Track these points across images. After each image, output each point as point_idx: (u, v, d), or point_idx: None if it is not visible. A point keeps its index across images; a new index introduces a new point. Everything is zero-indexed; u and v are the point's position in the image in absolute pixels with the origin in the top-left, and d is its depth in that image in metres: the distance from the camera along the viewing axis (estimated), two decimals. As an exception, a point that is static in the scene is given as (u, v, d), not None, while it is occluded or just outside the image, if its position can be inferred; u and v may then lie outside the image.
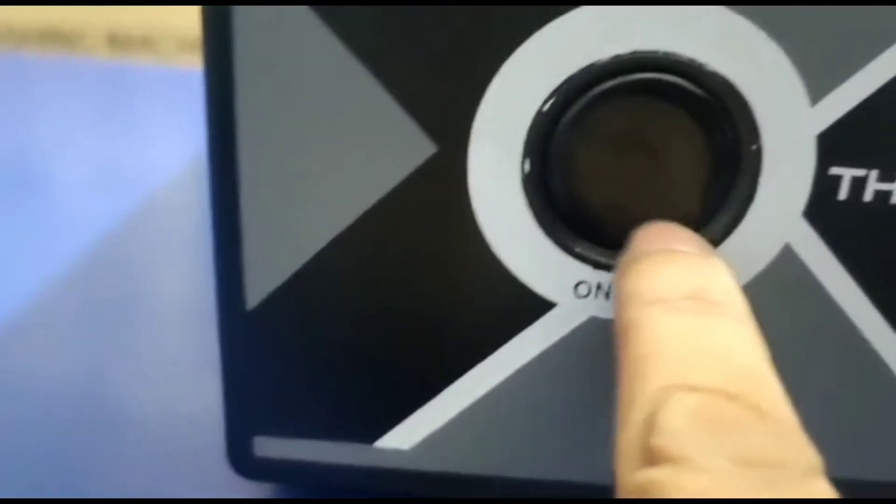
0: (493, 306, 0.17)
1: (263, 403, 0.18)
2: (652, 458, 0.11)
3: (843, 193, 0.16)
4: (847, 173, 0.15)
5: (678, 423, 0.11)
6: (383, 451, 0.18)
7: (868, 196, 0.16)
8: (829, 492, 0.11)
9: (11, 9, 0.67)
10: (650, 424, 0.12)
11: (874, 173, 0.15)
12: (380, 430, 0.18)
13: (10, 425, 0.23)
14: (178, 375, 0.25)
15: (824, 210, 0.16)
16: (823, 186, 0.15)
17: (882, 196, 0.16)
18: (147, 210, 0.36)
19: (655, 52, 0.15)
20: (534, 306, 0.17)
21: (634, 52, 0.15)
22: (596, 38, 0.15)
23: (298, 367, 0.17)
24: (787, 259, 0.16)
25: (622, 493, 0.12)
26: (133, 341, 0.28)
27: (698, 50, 0.15)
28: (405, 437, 0.18)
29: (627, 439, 0.12)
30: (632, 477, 0.11)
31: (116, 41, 0.66)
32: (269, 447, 0.18)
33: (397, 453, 0.18)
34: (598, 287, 0.16)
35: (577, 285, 0.16)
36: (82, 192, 0.39)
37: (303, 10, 0.15)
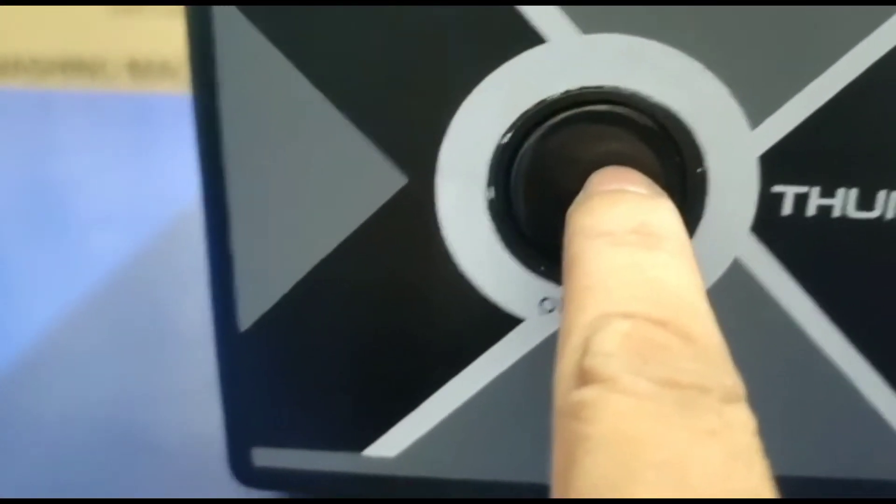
0: (467, 323, 0.18)
1: (260, 417, 0.19)
2: (584, 378, 0.12)
3: (787, 209, 0.17)
4: (789, 190, 0.17)
5: (609, 347, 0.12)
6: (371, 459, 0.19)
7: (811, 211, 0.17)
8: (748, 418, 0.12)
9: (34, 40, 0.70)
10: (585, 348, 0.12)
11: (815, 190, 0.17)
12: (367, 440, 0.19)
13: (28, 449, 0.25)
14: (195, 396, 0.26)
15: (770, 225, 0.17)
16: (768, 203, 0.17)
17: (824, 210, 0.17)
18: (168, 238, 0.38)
19: (602, 87, 0.16)
20: (503, 322, 0.18)
21: (583, 88, 0.16)
22: (546, 76, 0.16)
23: (290, 383, 0.19)
24: (738, 272, 0.17)
25: (558, 415, 0.12)
26: (153, 366, 0.29)
27: (641, 83, 0.16)
28: (391, 445, 0.19)
29: (565, 364, 0.13)
30: (566, 397, 0.12)
31: (137, 69, 0.68)
32: (267, 457, 0.19)
33: (384, 460, 0.19)
34: (562, 301, 0.17)
35: (542, 301, 0.18)
36: (104, 223, 0.41)
37: (278, 56, 0.16)
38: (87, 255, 0.38)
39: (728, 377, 0.12)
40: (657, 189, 0.16)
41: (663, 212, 0.15)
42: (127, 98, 0.61)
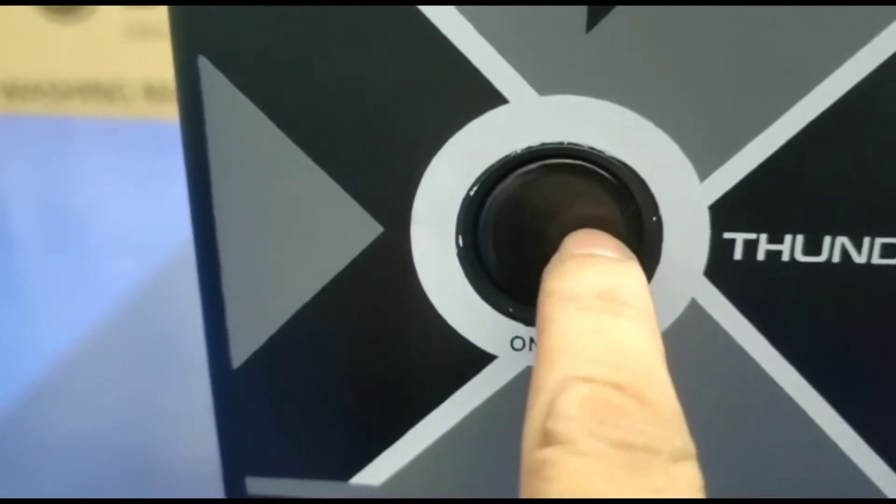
0: (444, 360, 0.19)
1: (253, 448, 0.20)
2: (547, 439, 0.13)
3: (738, 254, 0.18)
4: (739, 237, 0.18)
5: (570, 410, 0.13)
6: (357, 487, 0.20)
7: (761, 255, 0.18)
8: (694, 476, 0.13)
9: (53, 65, 0.72)
10: (549, 409, 0.13)
11: (763, 236, 0.18)
12: (353, 469, 0.20)
13: (42, 470, 0.26)
14: (198, 422, 0.28)
15: (723, 269, 0.18)
16: (720, 249, 0.18)
17: (773, 255, 0.18)
18: (181, 263, 0.39)
19: (561, 143, 0.17)
20: (478, 359, 0.19)
21: (543, 144, 0.17)
22: (509, 134, 0.17)
23: (280, 416, 0.20)
24: (694, 311, 0.18)
25: (524, 471, 0.13)
26: (163, 390, 0.31)
27: (597, 140, 0.17)
28: (375, 474, 0.20)
29: (532, 421, 0.14)
30: (531, 455, 0.13)
31: (153, 92, 0.70)
32: (260, 486, 0.21)
33: (369, 488, 0.20)
34: (531, 340, 0.19)
35: (512, 340, 0.19)
36: (118, 248, 0.42)
37: (259, 115, 0.18)
38: (101, 280, 0.40)
39: (678, 438, 0.13)
40: (626, 252, 0.17)
41: (630, 277, 0.16)
42: (142, 124, 0.63)
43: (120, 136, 0.59)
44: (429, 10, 0.16)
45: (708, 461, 0.19)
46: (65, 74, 0.72)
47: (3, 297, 0.39)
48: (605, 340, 0.14)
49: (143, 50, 0.70)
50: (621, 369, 0.14)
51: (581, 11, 0.16)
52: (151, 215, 0.46)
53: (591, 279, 0.16)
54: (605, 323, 0.15)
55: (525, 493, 0.13)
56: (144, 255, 0.41)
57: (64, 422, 0.29)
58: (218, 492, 0.21)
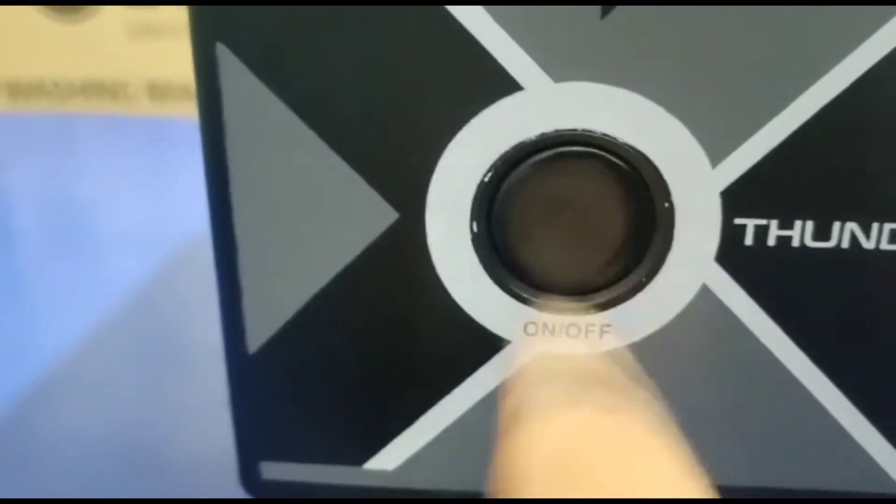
0: (458, 345, 0.19)
1: (268, 433, 0.21)
2: None
3: (748, 240, 0.18)
4: (750, 223, 0.18)
5: None
6: (371, 472, 0.21)
7: (771, 241, 0.18)
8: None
9: (56, 64, 0.72)
10: None
11: (774, 222, 0.18)
12: (367, 454, 0.20)
13: (48, 468, 0.26)
14: (213, 414, 0.28)
15: (733, 255, 0.18)
16: (730, 235, 0.18)
17: (784, 240, 0.18)
18: (187, 259, 0.39)
19: (575, 130, 0.17)
20: (491, 344, 0.19)
21: (557, 131, 0.18)
22: (523, 120, 0.17)
23: (295, 401, 0.20)
24: (705, 297, 0.19)
25: None
26: (172, 383, 0.31)
27: (610, 126, 0.17)
28: (389, 459, 0.20)
29: None
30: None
31: (157, 91, 0.70)
32: (275, 471, 0.21)
33: (383, 473, 0.20)
34: (544, 325, 0.19)
35: (526, 325, 0.19)
36: (123, 244, 0.42)
37: (278, 103, 0.18)
38: (106, 276, 0.40)
39: None
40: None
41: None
42: (147, 121, 0.63)
43: (124, 132, 0.59)
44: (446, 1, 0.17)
45: (717, 444, 0.20)
46: (68, 73, 0.72)
47: (8, 293, 0.39)
48: None
49: (147, 49, 0.71)
50: None
51: (595, -1, 0.17)
52: (156, 212, 0.46)
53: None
54: None
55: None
56: (149, 251, 0.41)
57: (69, 419, 0.29)
58: (225, 490, 0.21)
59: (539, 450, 0.13)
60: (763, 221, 0.18)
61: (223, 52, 0.18)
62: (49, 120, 0.67)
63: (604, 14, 0.17)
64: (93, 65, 0.72)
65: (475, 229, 0.18)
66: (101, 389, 0.31)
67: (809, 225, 0.18)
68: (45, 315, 0.38)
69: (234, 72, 0.18)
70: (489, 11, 0.17)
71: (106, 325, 0.35)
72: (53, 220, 0.47)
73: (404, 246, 0.19)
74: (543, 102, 0.17)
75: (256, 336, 0.20)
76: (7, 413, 0.30)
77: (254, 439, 0.21)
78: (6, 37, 0.72)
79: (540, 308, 0.19)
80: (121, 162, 0.54)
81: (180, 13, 0.66)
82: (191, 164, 0.22)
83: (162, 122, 0.63)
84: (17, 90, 0.74)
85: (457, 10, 0.17)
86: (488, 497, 0.14)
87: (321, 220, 0.19)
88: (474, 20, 0.17)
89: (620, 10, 0.17)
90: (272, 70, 0.18)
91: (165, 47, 0.71)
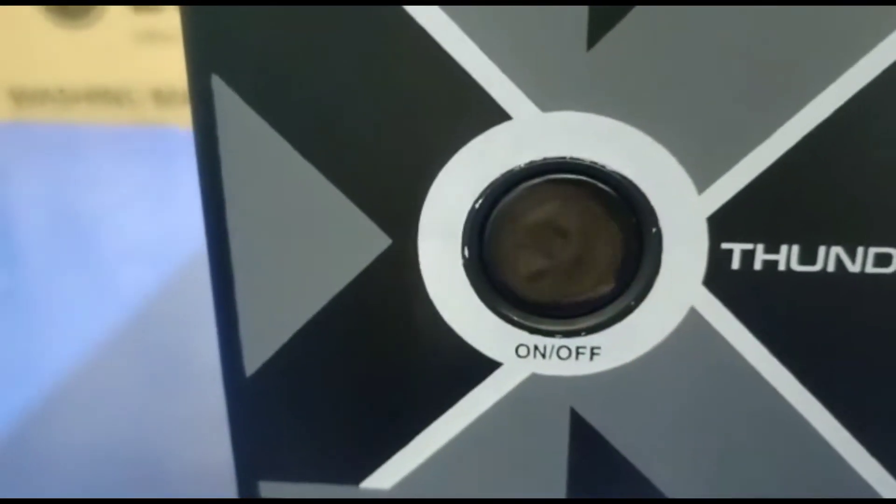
0: (451, 367, 0.20)
1: (266, 453, 0.21)
2: None
3: (735, 264, 0.18)
4: (737, 247, 0.18)
5: None
6: (367, 491, 0.21)
7: (758, 265, 0.18)
8: None
9: (61, 70, 0.72)
10: None
11: (760, 246, 0.18)
12: (363, 474, 0.21)
13: (51, 482, 0.27)
14: (215, 430, 0.28)
15: (721, 278, 0.18)
16: (717, 259, 0.18)
17: (770, 264, 0.18)
18: (192, 271, 0.40)
19: (563, 158, 0.18)
20: (484, 366, 0.20)
21: (545, 159, 0.18)
22: (512, 149, 0.18)
23: (291, 422, 0.21)
24: (694, 319, 0.19)
25: None
26: (176, 399, 0.31)
27: (597, 154, 0.18)
28: (385, 478, 0.21)
29: None
30: None
31: (161, 97, 0.71)
32: (273, 490, 0.21)
33: (379, 492, 0.21)
34: (535, 348, 0.19)
35: (517, 347, 0.19)
36: (128, 256, 0.43)
37: (270, 131, 0.18)
38: (111, 288, 0.40)
39: None
40: None
41: None
42: (152, 130, 0.64)
43: (129, 141, 0.60)
44: (435, 32, 0.17)
45: (707, 468, 0.20)
46: (73, 80, 0.73)
47: (11, 304, 0.40)
48: None
49: (152, 55, 0.71)
50: None
51: (582, 31, 0.17)
52: (161, 223, 0.47)
53: None
54: None
55: None
56: (154, 263, 0.42)
57: (73, 433, 0.30)
58: (230, 496, 0.22)
59: None
60: (749, 246, 0.18)
61: (218, 84, 0.18)
62: (54, 127, 0.67)
63: (590, 45, 0.17)
64: (98, 71, 0.73)
65: (467, 254, 0.19)
66: (105, 404, 0.31)
67: (795, 249, 0.18)
68: (49, 327, 0.38)
69: (229, 103, 0.18)
70: (478, 43, 0.17)
71: (111, 337, 0.35)
72: (57, 230, 0.48)
73: (397, 271, 0.19)
74: (532, 131, 0.18)
75: (253, 359, 0.20)
76: (9, 429, 0.30)
77: (252, 459, 0.21)
78: (11, 43, 0.73)
79: (531, 331, 0.19)
80: (124, 171, 0.54)
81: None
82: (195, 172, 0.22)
83: (166, 132, 0.64)
84: (22, 96, 0.74)
85: (446, 43, 0.17)
86: None
87: (316, 246, 0.19)
88: (463, 51, 0.17)
89: (606, 41, 0.17)
90: (266, 101, 0.18)
91: (170, 53, 0.71)
